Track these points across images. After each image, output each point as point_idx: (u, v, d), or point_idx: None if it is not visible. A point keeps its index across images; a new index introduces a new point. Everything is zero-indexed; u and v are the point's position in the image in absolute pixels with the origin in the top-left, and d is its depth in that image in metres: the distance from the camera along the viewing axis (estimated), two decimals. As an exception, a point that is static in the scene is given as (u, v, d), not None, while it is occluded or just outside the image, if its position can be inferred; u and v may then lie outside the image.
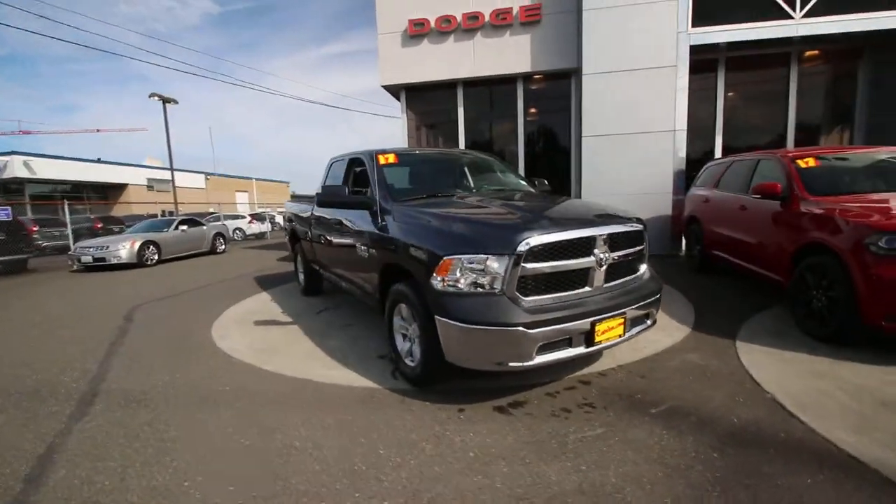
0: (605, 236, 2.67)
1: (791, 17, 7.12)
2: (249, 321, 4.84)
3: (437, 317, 2.56)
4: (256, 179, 45.74)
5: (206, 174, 37.62)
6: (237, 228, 19.51)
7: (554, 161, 9.13)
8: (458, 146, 9.21)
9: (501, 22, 8.34)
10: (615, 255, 2.75)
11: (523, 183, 4.28)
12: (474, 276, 2.47)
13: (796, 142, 8.12)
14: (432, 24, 8.58)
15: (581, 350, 2.58)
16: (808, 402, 2.57)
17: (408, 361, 3.05)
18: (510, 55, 8.49)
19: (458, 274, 2.49)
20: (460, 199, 3.38)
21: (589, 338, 2.56)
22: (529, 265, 2.45)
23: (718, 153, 8.31)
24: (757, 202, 4.64)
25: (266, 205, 38.58)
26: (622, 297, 2.74)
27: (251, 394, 2.98)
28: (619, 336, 2.71)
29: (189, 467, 2.16)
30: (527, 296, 2.49)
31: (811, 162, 4.36)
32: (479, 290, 2.47)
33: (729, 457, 2.09)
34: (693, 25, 7.35)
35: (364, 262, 3.52)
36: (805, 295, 3.70)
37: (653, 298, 2.93)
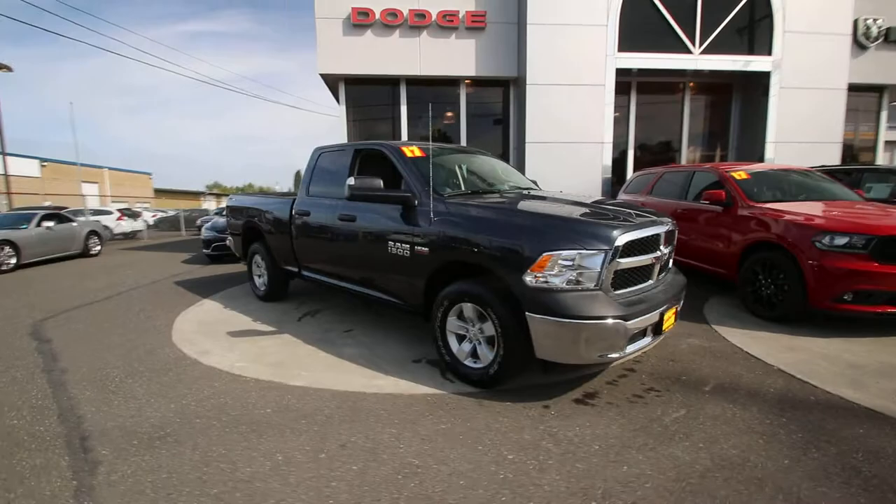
0: (665, 233, 2.94)
1: (691, 53, 8.49)
2: (219, 332, 4.15)
3: (530, 314, 2.54)
4: (109, 169, 38.69)
5: (42, 160, 30.65)
6: (103, 226, 16.26)
7: (494, 164, 9.49)
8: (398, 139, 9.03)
9: (448, 24, 8.41)
10: (667, 249, 3.03)
11: (529, 181, 4.41)
12: (571, 271, 2.51)
13: (688, 157, 9.70)
14: (377, 15, 8.28)
15: (651, 339, 2.79)
16: (805, 370, 3.14)
17: (468, 363, 2.96)
18: (455, 57, 8.61)
19: (555, 270, 2.51)
20: (512, 196, 3.37)
21: (657, 327, 2.79)
22: (621, 260, 2.58)
23: (631, 164, 9.51)
24: (698, 207, 5.45)
25: (121, 198, 32.86)
26: (670, 289, 3.03)
27: (306, 414, 2.60)
28: (673, 324, 2.99)
29: (311, 506, 1.82)
30: (615, 290, 2.62)
31: (743, 174, 5.28)
32: (575, 285, 2.51)
33: (795, 420, 2.47)
34: (619, 50, 8.30)
35: (401, 262, 3.29)
36: (754, 284, 4.49)
37: (685, 289, 3.29)
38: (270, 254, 4.98)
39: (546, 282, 2.52)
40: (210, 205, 43.45)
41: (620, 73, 8.54)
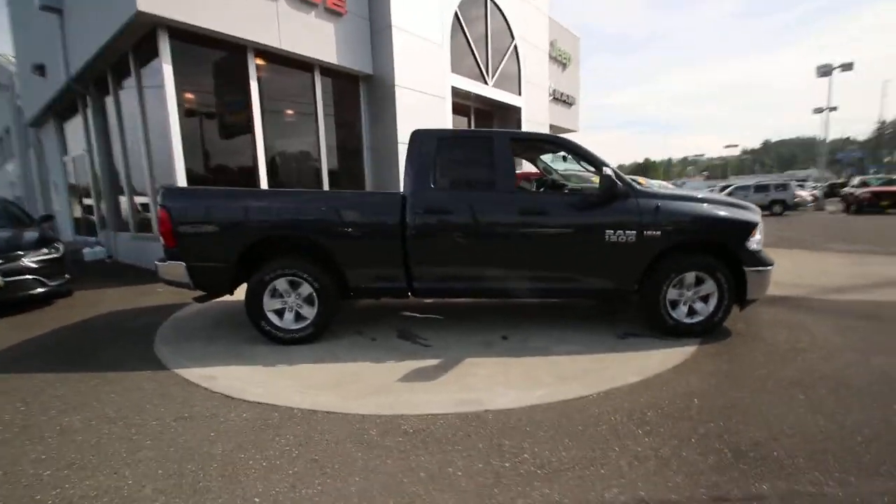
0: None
1: (487, 84, 10.82)
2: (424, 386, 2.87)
3: (748, 269, 3.66)
4: None
5: None
6: None
7: (348, 158, 8.85)
8: (250, 127, 7.07)
9: (310, -3, 7.28)
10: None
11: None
12: (757, 235, 3.78)
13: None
14: (225, -44, 6.20)
15: None
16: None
17: (686, 321, 3.73)
18: (314, 38, 7.52)
19: (756, 236, 3.72)
20: (675, 190, 4.19)
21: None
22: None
23: (444, 169, 11.06)
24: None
25: None
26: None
27: (687, 399, 2.75)
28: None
29: None
30: (751, 248, 4.08)
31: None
32: (759, 245, 3.81)
33: (813, 314, 4.68)
34: (452, 71, 9.62)
35: (623, 249, 3.55)
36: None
37: None
38: (333, 274, 3.51)
39: (752, 245, 3.70)
40: None
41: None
